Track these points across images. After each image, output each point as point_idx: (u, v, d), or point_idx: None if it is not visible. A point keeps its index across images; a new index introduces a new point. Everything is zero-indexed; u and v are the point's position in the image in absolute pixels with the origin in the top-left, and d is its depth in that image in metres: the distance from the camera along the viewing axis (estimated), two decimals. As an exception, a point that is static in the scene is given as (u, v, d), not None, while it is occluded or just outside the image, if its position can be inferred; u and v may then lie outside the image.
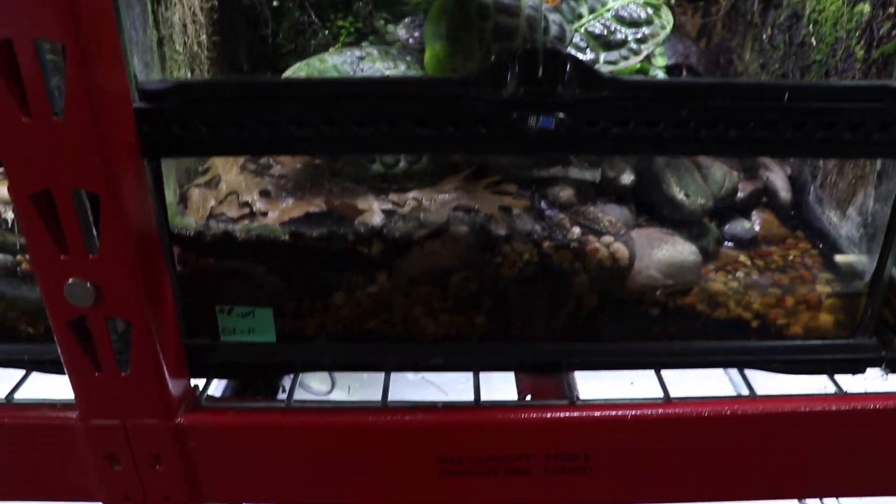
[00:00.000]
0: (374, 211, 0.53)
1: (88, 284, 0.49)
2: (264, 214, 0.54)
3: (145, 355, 0.52)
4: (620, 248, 0.54)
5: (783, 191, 0.65)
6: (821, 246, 0.62)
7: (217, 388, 0.75)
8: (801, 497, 0.75)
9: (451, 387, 1.27)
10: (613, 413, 0.54)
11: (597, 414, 0.53)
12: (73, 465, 0.57)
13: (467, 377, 0.58)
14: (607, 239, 0.54)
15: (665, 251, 0.56)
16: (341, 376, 0.83)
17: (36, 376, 0.62)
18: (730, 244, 0.62)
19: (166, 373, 0.53)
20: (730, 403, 0.54)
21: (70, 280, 0.49)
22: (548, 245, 0.54)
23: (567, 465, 0.55)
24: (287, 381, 0.62)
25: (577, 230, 0.55)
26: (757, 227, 0.63)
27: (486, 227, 0.53)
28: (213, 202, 0.55)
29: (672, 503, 0.57)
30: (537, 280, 0.54)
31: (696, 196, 0.59)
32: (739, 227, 0.62)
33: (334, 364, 0.57)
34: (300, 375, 0.61)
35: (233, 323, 0.56)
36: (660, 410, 0.54)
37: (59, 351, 0.52)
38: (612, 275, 0.55)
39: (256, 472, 0.56)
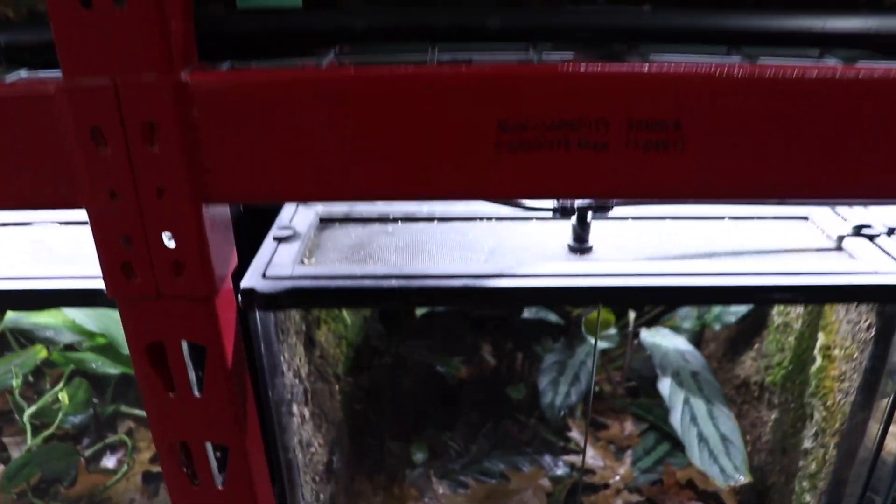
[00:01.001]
0: None
1: None
2: None
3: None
4: None
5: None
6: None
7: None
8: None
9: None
10: (707, 70, 0.45)
11: (687, 70, 0.45)
12: (52, 157, 0.47)
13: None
14: None
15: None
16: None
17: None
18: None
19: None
20: (855, 68, 0.45)
21: None
22: None
23: (654, 137, 0.45)
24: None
25: None
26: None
27: None
28: None
29: (774, 196, 0.47)
30: (609, -73, 0.47)
31: None
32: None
33: (371, 31, 0.47)
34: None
35: (251, -18, 0.47)
36: (768, 71, 0.45)
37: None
38: (696, -79, 0.47)
39: (272, 160, 0.46)
